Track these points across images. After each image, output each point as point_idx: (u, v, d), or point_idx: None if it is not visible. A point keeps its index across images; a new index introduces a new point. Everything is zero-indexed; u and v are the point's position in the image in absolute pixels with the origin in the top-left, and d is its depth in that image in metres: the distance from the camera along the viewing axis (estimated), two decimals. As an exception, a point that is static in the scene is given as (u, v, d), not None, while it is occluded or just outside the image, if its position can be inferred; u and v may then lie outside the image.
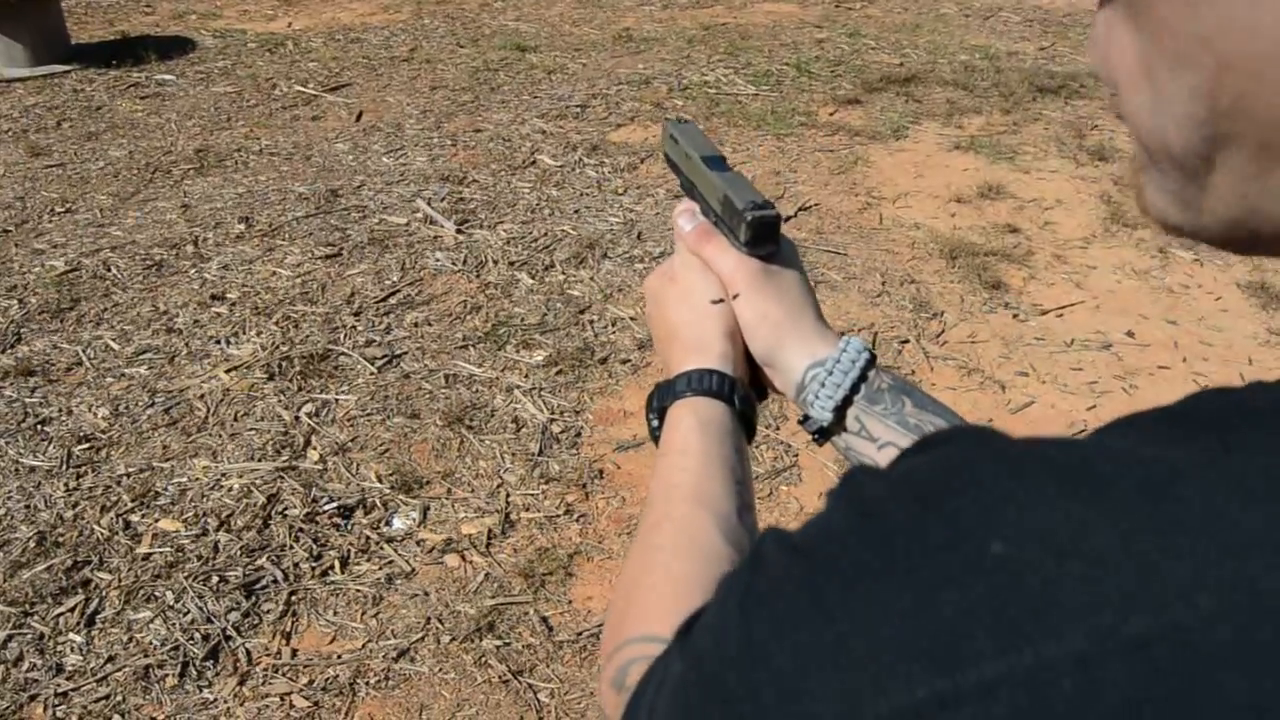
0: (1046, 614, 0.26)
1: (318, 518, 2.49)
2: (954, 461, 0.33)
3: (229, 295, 3.47)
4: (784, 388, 0.74)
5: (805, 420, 0.73)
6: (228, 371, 3.04)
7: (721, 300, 0.74)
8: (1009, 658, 0.26)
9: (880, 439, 0.70)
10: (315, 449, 2.73)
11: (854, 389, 0.70)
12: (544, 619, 2.25)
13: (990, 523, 0.29)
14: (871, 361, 0.71)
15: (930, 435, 0.37)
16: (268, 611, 2.25)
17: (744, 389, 0.72)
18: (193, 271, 3.62)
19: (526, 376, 3.07)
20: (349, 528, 2.48)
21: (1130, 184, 0.41)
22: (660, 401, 0.72)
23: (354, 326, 3.30)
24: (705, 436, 0.67)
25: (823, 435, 0.73)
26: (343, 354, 3.15)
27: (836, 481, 0.37)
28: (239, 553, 2.38)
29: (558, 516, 2.54)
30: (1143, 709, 0.25)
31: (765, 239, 0.72)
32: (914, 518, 0.31)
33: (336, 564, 2.37)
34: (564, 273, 3.66)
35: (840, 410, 0.70)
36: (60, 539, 2.41)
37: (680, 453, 0.67)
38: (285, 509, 2.52)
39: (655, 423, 0.73)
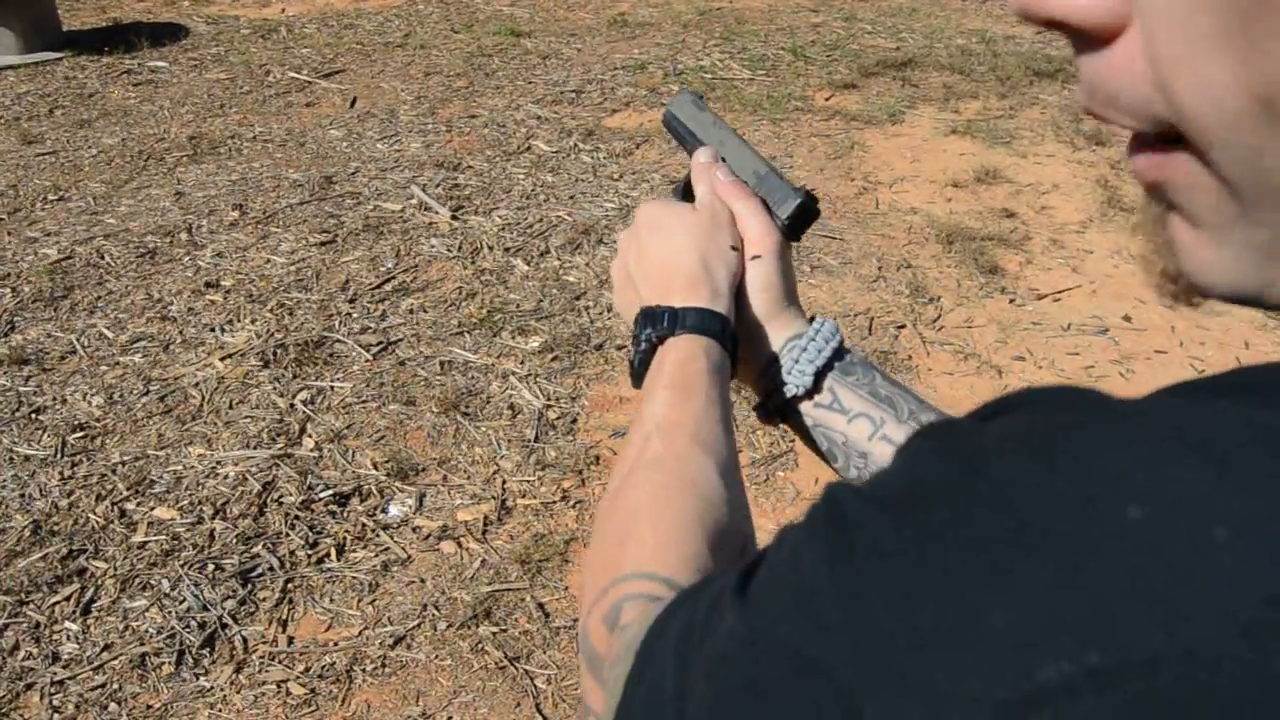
0: (1201, 583, 0.25)
1: (313, 505, 2.49)
2: (1063, 420, 0.31)
3: (223, 283, 3.46)
4: (754, 360, 0.73)
5: (768, 397, 0.73)
6: (222, 359, 3.03)
7: (737, 250, 0.73)
8: (1169, 631, 0.24)
9: (852, 410, 0.70)
10: (311, 436, 2.72)
11: (834, 357, 0.71)
12: (540, 605, 2.25)
13: (1120, 484, 0.27)
14: (842, 341, 0.73)
15: (1016, 393, 0.34)
16: (264, 599, 2.24)
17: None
18: (187, 259, 3.61)
19: (522, 363, 3.06)
20: (345, 515, 2.47)
21: (1157, 246, 0.36)
22: (664, 329, 0.69)
23: (349, 313, 3.29)
24: (711, 380, 0.66)
25: (786, 409, 0.72)
26: (338, 341, 3.14)
27: (913, 435, 0.34)
28: (235, 540, 2.37)
29: (554, 503, 2.53)
30: None
31: (802, 224, 0.75)
32: (1034, 478, 0.28)
33: (333, 551, 2.37)
34: (559, 258, 3.65)
35: (819, 376, 0.71)
36: (55, 528, 2.40)
37: (685, 390, 0.65)
38: (281, 496, 2.51)
39: (645, 346, 0.69)
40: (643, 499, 0.58)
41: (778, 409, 0.73)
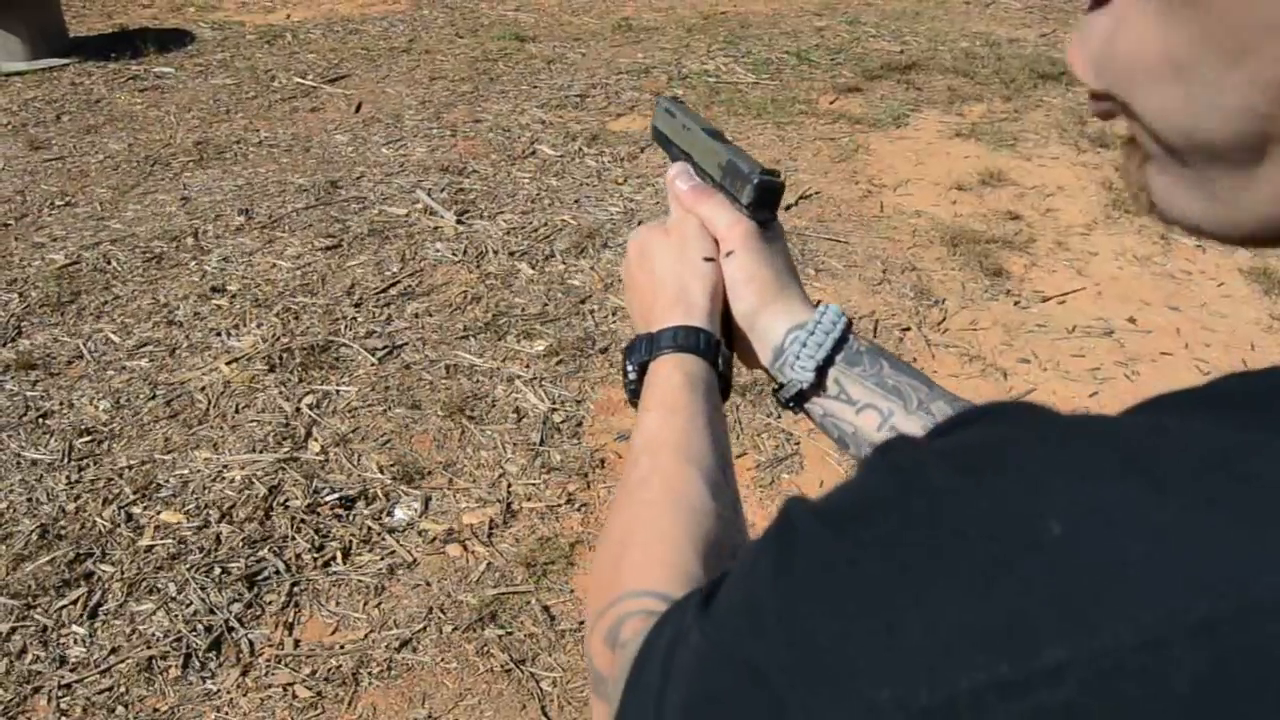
0: (1110, 596, 0.25)
1: (319, 509, 2.49)
2: (1003, 436, 0.32)
3: (229, 287, 3.47)
4: (760, 352, 0.74)
5: (780, 389, 0.73)
6: (229, 363, 3.04)
7: (712, 260, 0.73)
8: (1074, 642, 0.25)
9: (859, 401, 0.70)
10: (316, 440, 2.73)
11: (835, 349, 0.70)
12: (546, 608, 2.25)
13: (1046, 500, 0.28)
14: (849, 327, 0.72)
15: (972, 409, 0.36)
16: (270, 602, 2.25)
17: (725, 350, 0.72)
18: (193, 264, 3.62)
19: (527, 366, 3.06)
20: (351, 518, 2.48)
21: (1131, 182, 0.39)
22: (644, 355, 0.71)
23: (354, 318, 3.29)
24: (693, 394, 0.67)
25: (798, 402, 0.72)
26: (343, 345, 3.14)
27: (871, 450, 0.35)
28: (241, 544, 2.38)
29: (559, 506, 2.54)
30: (1214, 694, 0.24)
31: (767, 204, 0.73)
32: (965, 493, 0.30)
33: (338, 555, 2.37)
34: (564, 262, 3.66)
35: (821, 371, 0.70)
36: (62, 532, 2.41)
37: (668, 409, 0.66)
38: (287, 500, 2.52)
39: (634, 375, 0.72)
40: (634, 519, 0.60)
41: (788, 401, 0.73)
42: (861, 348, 0.71)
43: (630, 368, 0.72)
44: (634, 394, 0.72)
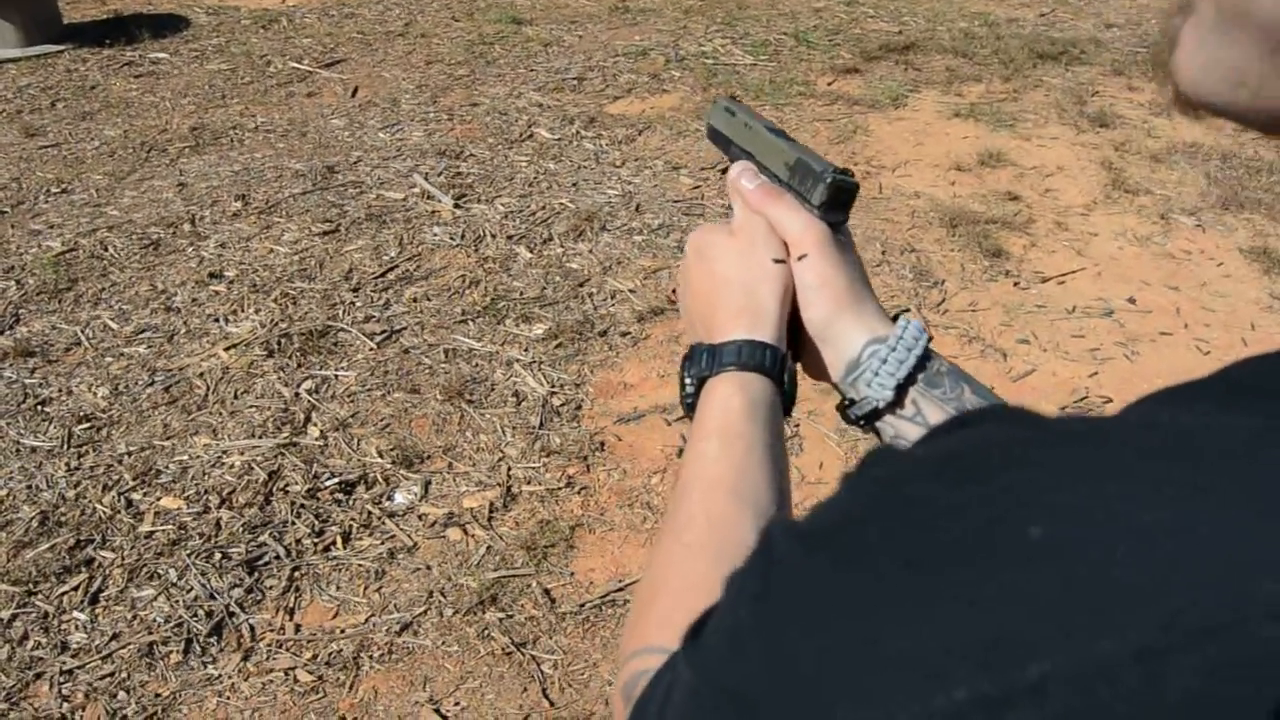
0: (1096, 603, 0.24)
1: (319, 493, 2.49)
2: (986, 440, 0.31)
3: (227, 273, 3.46)
4: (832, 364, 0.68)
5: (850, 405, 0.68)
6: (227, 349, 3.04)
7: (783, 261, 0.68)
8: (1060, 655, 0.24)
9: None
10: (316, 425, 2.73)
11: (917, 368, 0.66)
12: (546, 591, 2.25)
13: (1027, 505, 0.27)
14: (929, 344, 0.67)
15: (963, 414, 0.34)
16: (270, 587, 2.25)
17: (791, 365, 0.67)
18: (190, 250, 3.61)
19: (526, 350, 3.06)
20: (350, 503, 2.48)
21: (1164, 65, 0.38)
22: (704, 369, 0.66)
23: (353, 302, 3.29)
24: (754, 421, 0.62)
25: (869, 420, 0.67)
26: (342, 330, 3.14)
27: (855, 463, 0.34)
28: (241, 529, 2.38)
29: (559, 489, 2.54)
30: (1209, 708, 0.22)
31: (840, 205, 0.69)
32: (943, 502, 0.29)
33: (338, 539, 2.37)
34: (562, 246, 3.65)
35: (900, 390, 0.66)
36: (63, 518, 2.41)
37: (725, 437, 0.62)
38: (287, 485, 2.52)
39: (692, 389, 0.66)
40: (673, 561, 0.57)
41: (858, 418, 0.68)
42: (943, 368, 0.67)
43: (688, 380, 0.67)
44: (690, 408, 0.67)
